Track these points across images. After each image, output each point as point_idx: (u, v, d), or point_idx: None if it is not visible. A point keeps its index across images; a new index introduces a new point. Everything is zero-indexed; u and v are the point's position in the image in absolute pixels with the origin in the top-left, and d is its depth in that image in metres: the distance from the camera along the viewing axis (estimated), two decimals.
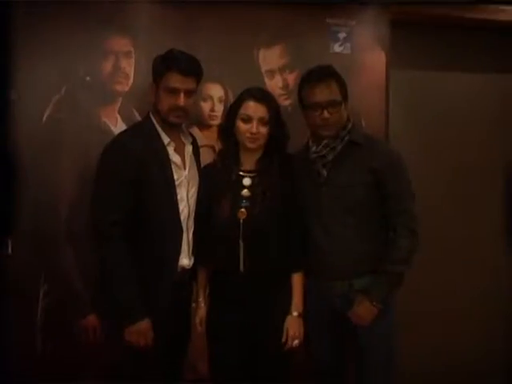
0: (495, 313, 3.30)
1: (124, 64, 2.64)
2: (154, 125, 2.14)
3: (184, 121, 2.19)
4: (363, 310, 2.14)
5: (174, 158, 2.15)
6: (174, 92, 2.09)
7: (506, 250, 3.32)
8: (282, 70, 2.80)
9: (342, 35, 2.83)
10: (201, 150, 2.45)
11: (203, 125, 2.73)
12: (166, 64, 2.11)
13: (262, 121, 2.13)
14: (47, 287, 2.65)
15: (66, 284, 2.65)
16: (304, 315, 2.20)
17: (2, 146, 2.36)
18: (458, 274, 3.23)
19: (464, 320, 3.23)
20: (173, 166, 2.13)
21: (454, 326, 3.22)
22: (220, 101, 2.72)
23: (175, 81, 2.09)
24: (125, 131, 2.25)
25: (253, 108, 2.13)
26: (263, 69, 2.79)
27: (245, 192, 2.17)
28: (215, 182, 2.20)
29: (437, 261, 3.17)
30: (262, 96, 2.17)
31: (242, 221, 2.14)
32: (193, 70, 2.12)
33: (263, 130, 2.14)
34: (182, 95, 2.09)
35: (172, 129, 2.17)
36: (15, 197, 2.56)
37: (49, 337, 2.64)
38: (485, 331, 3.27)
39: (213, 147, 2.62)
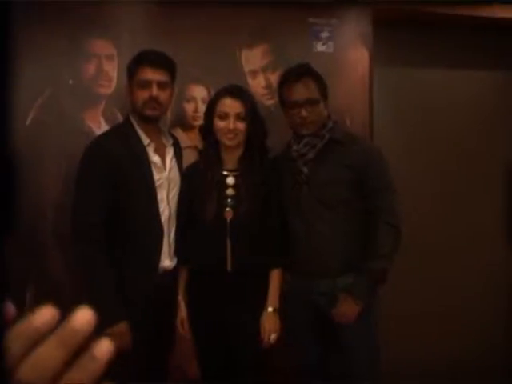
0: (494, 311, 3.29)
1: (107, 67, 2.65)
2: (133, 126, 2.15)
3: (160, 114, 2.18)
4: (346, 309, 2.13)
5: (154, 158, 2.15)
6: (146, 85, 2.10)
7: (505, 247, 3.31)
8: (264, 70, 2.79)
9: (324, 34, 2.81)
10: (185, 151, 2.45)
11: (187, 126, 2.73)
12: (137, 60, 2.14)
13: (238, 117, 2.13)
14: (34, 289, 2.66)
15: (54, 286, 2.66)
16: (286, 312, 2.21)
17: None
18: (456, 271, 3.23)
19: (463, 319, 3.23)
20: (153, 167, 2.13)
21: (454, 326, 3.21)
22: (203, 102, 2.70)
23: (146, 73, 2.10)
24: (104, 133, 2.26)
25: (229, 104, 2.13)
26: (246, 69, 2.79)
27: (229, 191, 2.17)
28: (199, 182, 2.20)
29: (434, 259, 3.16)
30: (238, 92, 2.17)
31: (228, 220, 2.15)
32: (162, 61, 2.13)
33: (240, 125, 2.14)
34: (154, 86, 2.10)
35: (152, 130, 2.18)
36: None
37: None
38: (484, 330, 3.26)
39: (197, 148, 2.61)
